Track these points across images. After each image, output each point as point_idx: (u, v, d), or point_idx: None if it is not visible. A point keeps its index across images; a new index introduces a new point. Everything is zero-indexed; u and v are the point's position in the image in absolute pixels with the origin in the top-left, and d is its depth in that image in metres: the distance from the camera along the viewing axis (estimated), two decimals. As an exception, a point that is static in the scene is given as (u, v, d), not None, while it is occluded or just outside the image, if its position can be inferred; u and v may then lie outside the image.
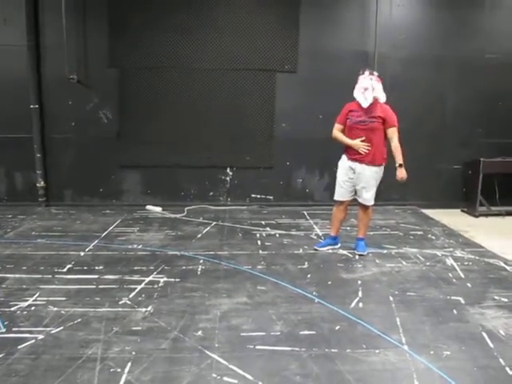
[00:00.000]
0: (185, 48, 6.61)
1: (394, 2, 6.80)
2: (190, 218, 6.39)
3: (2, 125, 6.65)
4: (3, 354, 2.84)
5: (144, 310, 3.50)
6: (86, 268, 4.37)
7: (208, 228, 5.88)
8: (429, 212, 6.95)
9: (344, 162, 4.80)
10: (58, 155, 6.81)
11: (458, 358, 2.92)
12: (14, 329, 3.17)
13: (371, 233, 5.54)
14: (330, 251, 5.01)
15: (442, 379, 2.69)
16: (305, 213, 6.75)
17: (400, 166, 4.63)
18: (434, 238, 5.61)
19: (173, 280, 4.11)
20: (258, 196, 7.16)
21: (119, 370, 2.71)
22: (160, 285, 4.00)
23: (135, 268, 4.39)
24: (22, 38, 6.38)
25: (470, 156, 7.08)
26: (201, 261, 4.64)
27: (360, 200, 4.81)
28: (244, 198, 7.15)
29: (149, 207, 6.83)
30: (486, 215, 6.91)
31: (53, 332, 3.14)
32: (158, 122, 6.76)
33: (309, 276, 4.28)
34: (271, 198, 7.18)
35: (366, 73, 4.60)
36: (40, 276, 4.14)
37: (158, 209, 6.77)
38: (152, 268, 4.39)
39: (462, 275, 4.35)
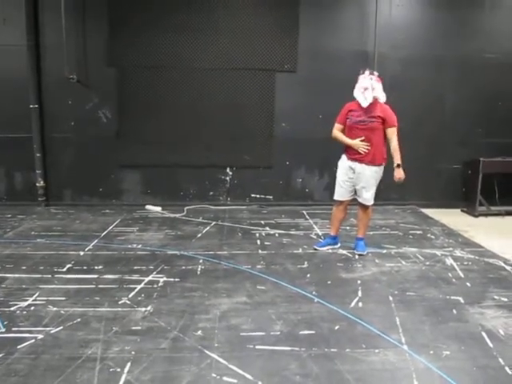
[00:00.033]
0: (184, 47, 6.61)
1: (394, 2, 6.80)
2: (190, 217, 6.39)
3: (2, 124, 6.65)
4: (3, 354, 2.84)
5: (143, 309, 3.50)
6: (85, 268, 4.37)
7: (207, 228, 5.88)
8: (428, 212, 6.95)
9: (344, 162, 4.80)
10: (58, 155, 6.81)
11: (458, 358, 2.92)
12: (13, 328, 3.17)
13: (371, 232, 5.54)
14: (330, 251, 5.01)
15: (441, 379, 2.69)
16: (304, 212, 6.76)
17: (398, 166, 4.62)
18: (433, 237, 5.61)
19: (172, 280, 4.11)
20: (258, 196, 7.16)
21: (119, 369, 2.71)
22: (159, 284, 4.00)
23: (135, 268, 4.39)
24: (21, 38, 6.38)
25: (469, 156, 7.08)
26: (200, 260, 4.64)
27: (360, 200, 4.81)
28: (244, 197, 7.15)
29: (148, 207, 6.83)
30: (486, 215, 6.91)
31: (52, 332, 3.14)
32: (157, 121, 6.76)
33: (308, 276, 4.28)
34: (271, 197, 7.18)
35: (366, 72, 4.61)
36: (39, 276, 4.14)
37: (158, 208, 6.77)
38: (151, 268, 4.39)
39: (462, 275, 4.35)
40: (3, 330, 3.14)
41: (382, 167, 4.72)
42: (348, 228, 5.76)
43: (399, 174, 4.64)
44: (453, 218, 6.69)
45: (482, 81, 7.03)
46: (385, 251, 5.04)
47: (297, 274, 4.33)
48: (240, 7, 6.59)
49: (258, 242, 5.33)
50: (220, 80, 6.73)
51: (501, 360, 2.88)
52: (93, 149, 6.80)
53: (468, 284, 4.13)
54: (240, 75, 6.75)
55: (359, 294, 3.89)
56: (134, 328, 3.22)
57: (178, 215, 6.49)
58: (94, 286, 3.93)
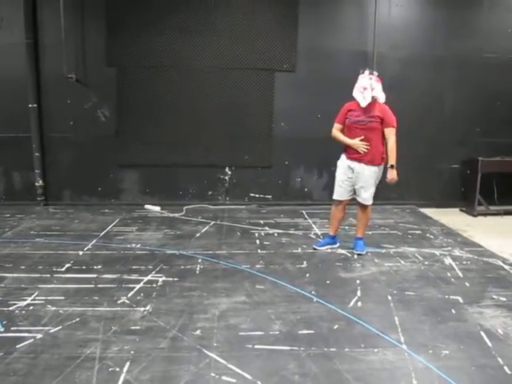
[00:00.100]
0: (183, 47, 6.60)
1: (393, 1, 6.79)
2: (189, 217, 6.39)
3: (1, 124, 6.63)
4: (2, 354, 2.84)
5: (142, 309, 3.50)
6: (84, 267, 4.37)
7: (207, 227, 5.88)
8: (427, 211, 6.95)
9: (343, 162, 4.80)
10: (57, 154, 6.80)
11: (457, 357, 2.92)
12: (12, 328, 3.17)
13: (370, 232, 5.55)
14: (329, 250, 5.01)
15: (440, 378, 2.69)
16: (303, 212, 6.76)
17: (391, 167, 4.61)
18: (432, 237, 5.61)
19: (171, 279, 4.11)
20: (257, 195, 7.16)
21: (118, 369, 2.71)
22: (158, 284, 4.00)
23: (134, 267, 4.39)
24: (20, 37, 6.36)
25: (468, 155, 7.09)
26: (199, 260, 4.64)
27: (359, 199, 4.81)
28: (243, 197, 7.15)
29: (147, 206, 6.82)
30: (485, 214, 6.91)
31: (51, 331, 3.14)
32: (156, 121, 6.75)
33: (307, 275, 4.28)
34: (270, 197, 7.18)
35: (366, 72, 4.61)
36: (38, 275, 4.14)
37: (157, 208, 6.77)
38: (150, 267, 4.39)
39: (461, 274, 4.36)
40: (2, 329, 3.14)
41: (381, 167, 4.72)
42: (347, 228, 5.76)
43: (392, 174, 4.62)
44: (452, 217, 6.69)
45: (481, 80, 7.04)
46: (384, 251, 5.04)
47: (296, 273, 4.33)
48: (239, 7, 6.59)
49: (257, 241, 5.33)
50: (219, 79, 6.73)
51: (500, 359, 2.89)
52: (92, 148, 6.79)
53: (467, 283, 4.14)
54: (239, 75, 6.75)
55: (358, 293, 3.89)
56: (132, 328, 3.21)
57: (176, 215, 6.48)
58: (92, 286, 3.93)
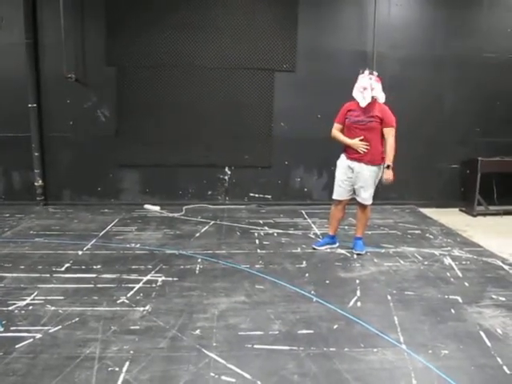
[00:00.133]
0: (183, 47, 6.60)
1: (393, 1, 6.79)
2: (188, 217, 6.39)
3: (0, 123, 6.63)
4: (1, 354, 2.84)
5: (142, 309, 3.50)
6: (83, 267, 4.37)
7: (206, 227, 5.88)
8: (427, 211, 6.95)
9: (343, 162, 4.80)
10: (56, 154, 6.80)
11: (456, 357, 2.92)
12: (11, 328, 3.17)
13: (369, 232, 5.55)
14: (328, 250, 5.01)
15: (439, 378, 2.70)
16: (303, 212, 6.76)
17: (388, 167, 4.61)
18: (432, 237, 5.61)
19: (171, 279, 4.11)
20: (257, 195, 7.16)
21: (117, 369, 2.71)
22: (158, 284, 4.00)
23: (133, 267, 4.39)
24: (20, 37, 6.36)
25: (468, 155, 7.09)
26: (199, 260, 4.64)
27: (358, 199, 4.81)
28: (242, 197, 7.15)
29: (147, 206, 6.82)
30: (484, 214, 6.91)
31: (51, 331, 3.14)
32: (156, 120, 6.75)
33: (307, 275, 4.28)
34: (269, 197, 7.18)
35: (366, 72, 4.61)
36: (38, 275, 4.14)
37: (156, 208, 6.77)
38: (150, 267, 4.39)
39: (460, 274, 4.36)
40: (1, 329, 3.14)
41: (380, 167, 4.71)
42: (346, 227, 5.76)
43: (388, 174, 4.62)
44: (451, 217, 6.69)
45: (480, 80, 7.04)
46: (383, 251, 5.04)
47: (295, 273, 4.33)
48: (239, 6, 6.59)
49: (257, 241, 5.33)
50: (219, 79, 6.73)
51: (499, 359, 2.89)
52: (91, 148, 6.79)
53: (466, 283, 4.14)
54: (239, 74, 6.75)
55: (358, 293, 3.89)
56: (132, 327, 3.21)
57: (176, 214, 6.48)
58: (92, 286, 3.93)
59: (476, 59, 6.99)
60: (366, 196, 4.75)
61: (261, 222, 6.18)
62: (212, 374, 2.68)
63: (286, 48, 6.74)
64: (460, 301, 3.76)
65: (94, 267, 4.36)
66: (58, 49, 6.41)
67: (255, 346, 3.00)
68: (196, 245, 5.13)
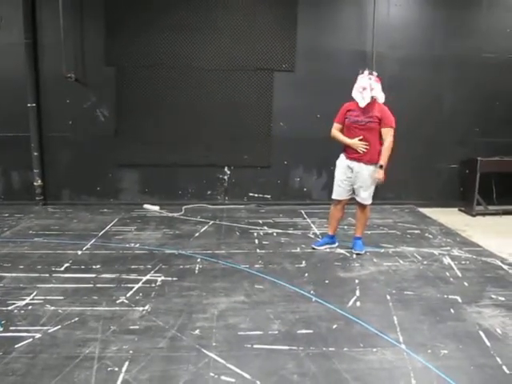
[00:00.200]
0: (182, 47, 6.60)
1: (392, 1, 6.79)
2: (188, 216, 6.39)
3: (0, 123, 6.63)
4: (0, 353, 2.84)
5: (141, 308, 3.50)
6: (83, 267, 4.37)
7: (205, 227, 5.88)
8: (426, 211, 6.96)
9: (342, 161, 4.80)
10: (56, 154, 6.79)
11: (455, 357, 2.92)
12: (11, 328, 3.17)
13: (369, 232, 5.55)
14: (328, 250, 5.01)
15: (439, 378, 2.70)
16: (302, 212, 6.76)
17: (381, 167, 4.60)
18: (431, 236, 5.62)
19: (170, 279, 4.11)
20: (256, 195, 7.16)
21: (116, 369, 2.71)
22: (157, 284, 4.00)
23: (132, 267, 4.38)
24: (19, 37, 6.36)
25: (467, 155, 7.09)
26: (198, 260, 4.64)
27: (358, 199, 4.81)
28: (242, 196, 7.15)
29: (146, 206, 6.82)
30: (483, 214, 6.92)
31: (50, 331, 3.14)
32: (155, 120, 6.75)
33: (306, 275, 4.28)
34: (269, 196, 7.17)
35: (366, 72, 4.61)
36: (37, 275, 4.14)
37: (156, 208, 6.77)
38: (149, 267, 4.39)
39: (459, 274, 4.36)
40: (1, 329, 3.14)
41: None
42: (346, 227, 5.76)
43: (379, 174, 4.60)
44: (450, 217, 6.70)
45: (479, 80, 7.04)
46: (383, 250, 5.04)
47: (295, 273, 4.33)
48: (238, 6, 6.58)
49: (256, 241, 5.33)
50: (218, 79, 6.73)
51: (498, 359, 2.89)
52: (90, 148, 6.79)
53: (465, 283, 4.14)
54: (238, 74, 6.75)
55: (357, 293, 3.89)
56: (131, 327, 3.22)
57: (175, 214, 6.48)
58: (91, 285, 3.93)
59: (475, 59, 6.99)
60: (365, 196, 4.75)
61: (260, 221, 6.18)
62: (211, 374, 2.68)
63: (285, 48, 6.73)
64: (459, 300, 3.77)
65: (94, 267, 4.36)
66: (58, 49, 6.41)
67: (255, 346, 3.00)
68: (195, 245, 5.13)
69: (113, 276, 4.15)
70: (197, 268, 4.40)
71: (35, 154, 6.64)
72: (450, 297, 3.84)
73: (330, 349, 2.98)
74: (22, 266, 4.34)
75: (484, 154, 6.95)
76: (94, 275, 4.16)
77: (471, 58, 6.99)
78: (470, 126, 7.19)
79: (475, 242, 5.43)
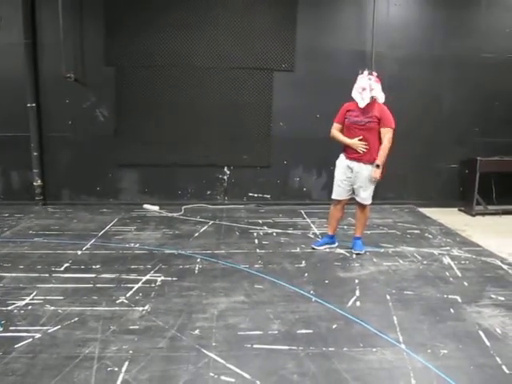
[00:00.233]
0: (182, 46, 6.60)
1: (391, 1, 6.79)
2: (187, 216, 6.39)
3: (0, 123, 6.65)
4: (0, 353, 2.84)
5: (141, 308, 3.50)
6: (83, 267, 4.37)
7: (205, 227, 5.88)
8: (426, 211, 6.96)
9: (342, 161, 4.80)
10: (55, 154, 6.79)
11: (455, 357, 2.93)
12: (11, 328, 3.17)
13: (368, 232, 5.55)
14: (328, 250, 5.01)
15: (438, 378, 2.70)
16: (302, 212, 6.76)
17: (377, 166, 4.60)
18: (431, 236, 5.62)
19: (170, 279, 4.11)
20: (256, 195, 7.16)
21: (116, 369, 2.71)
22: (157, 284, 4.00)
23: (132, 267, 4.38)
24: (19, 37, 6.36)
25: (466, 155, 7.10)
26: (198, 260, 4.64)
27: (357, 199, 4.81)
28: (241, 196, 7.15)
29: (146, 206, 6.82)
30: (483, 214, 6.92)
31: (50, 331, 3.13)
32: (155, 120, 6.75)
33: (306, 275, 4.28)
34: (268, 196, 7.18)
35: (365, 73, 4.61)
36: (37, 275, 4.13)
37: (155, 207, 6.77)
38: (149, 267, 4.39)
39: (459, 274, 4.36)
40: (1, 329, 3.14)
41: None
42: (345, 227, 5.76)
43: (375, 173, 4.60)
44: (450, 217, 6.70)
45: (479, 80, 7.04)
46: (382, 250, 5.04)
47: (294, 273, 4.33)
48: (238, 6, 6.58)
49: (256, 241, 5.33)
50: (218, 79, 6.73)
51: (498, 359, 2.89)
52: (90, 148, 6.79)
53: (465, 283, 4.14)
54: (238, 74, 6.75)
55: (357, 293, 3.89)
56: (131, 327, 3.21)
57: (175, 214, 6.48)
58: (91, 285, 3.93)
59: (474, 59, 6.99)
60: (365, 196, 4.75)
61: (260, 221, 6.18)
62: (211, 374, 2.68)
63: (284, 48, 6.73)
64: (459, 300, 3.77)
65: (94, 267, 4.36)
66: (57, 49, 6.40)
67: (254, 346, 3.00)
68: (195, 245, 5.13)
69: (112, 276, 4.15)
70: (196, 268, 4.40)
71: (35, 153, 6.64)
72: (449, 297, 3.84)
73: (330, 349, 2.98)
74: (21, 266, 4.34)
75: (483, 153, 6.95)
76: (93, 275, 4.16)
77: (470, 57, 6.99)
78: (469, 125, 7.19)
79: (475, 242, 5.43)
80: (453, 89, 7.08)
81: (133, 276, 4.15)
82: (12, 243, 5.06)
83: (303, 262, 4.64)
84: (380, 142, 4.64)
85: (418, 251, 5.02)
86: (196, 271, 4.32)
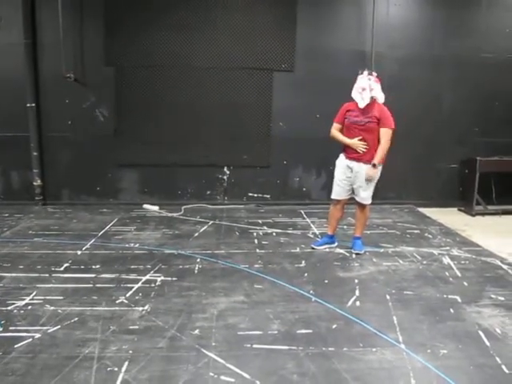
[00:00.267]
0: (182, 46, 6.60)
1: (391, 1, 6.79)
2: (187, 216, 6.39)
3: (-1, 123, 6.65)
4: (0, 353, 2.84)
5: (141, 308, 3.50)
6: (82, 267, 4.37)
7: (205, 227, 5.88)
8: (426, 211, 6.96)
9: (342, 161, 4.81)
10: (55, 154, 6.79)
11: (455, 357, 2.93)
12: (10, 328, 3.17)
13: (368, 231, 5.55)
14: (327, 250, 5.02)
15: (438, 378, 2.70)
16: (302, 211, 6.76)
17: (373, 165, 4.60)
18: (430, 236, 5.62)
19: (170, 279, 4.11)
20: (255, 195, 7.16)
21: (116, 369, 2.71)
22: (157, 284, 4.00)
23: (132, 267, 4.38)
24: (18, 37, 6.35)
25: (466, 155, 7.10)
26: (198, 260, 4.64)
27: (357, 199, 4.82)
28: (241, 196, 7.15)
29: (146, 206, 6.82)
30: (483, 214, 6.93)
31: (50, 331, 3.13)
32: (154, 120, 6.75)
33: (306, 275, 4.28)
34: (268, 196, 7.18)
35: (365, 73, 4.61)
36: (37, 275, 4.14)
37: (155, 207, 6.77)
38: (149, 267, 4.39)
39: (459, 274, 4.36)
40: (1, 329, 3.14)
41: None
42: (345, 227, 5.76)
43: (371, 171, 4.60)
44: (450, 217, 6.70)
45: (478, 80, 7.04)
46: (382, 250, 5.04)
47: (294, 273, 4.33)
48: (238, 6, 6.58)
49: (256, 241, 5.33)
50: (217, 79, 6.72)
51: (498, 359, 2.89)
52: (90, 148, 6.78)
53: (465, 283, 4.15)
54: (238, 74, 6.75)
55: (356, 292, 3.90)
56: (131, 327, 3.21)
57: (175, 214, 6.48)
58: (91, 285, 3.93)
59: (474, 59, 6.99)
60: (365, 195, 4.75)
61: (260, 221, 6.18)
62: (211, 374, 2.68)
63: (284, 48, 6.73)
64: (459, 300, 3.77)
65: (93, 267, 4.36)
66: (57, 49, 6.40)
67: (254, 346, 3.00)
68: (195, 245, 5.13)
69: (112, 276, 4.15)
70: (196, 268, 4.41)
71: (35, 153, 6.63)
72: (449, 296, 3.84)
73: (330, 349, 2.98)
74: (21, 266, 4.34)
75: (483, 153, 6.96)
76: (93, 275, 4.16)
77: (470, 57, 6.99)
78: (469, 125, 7.19)
79: (475, 242, 5.43)
80: (453, 89, 7.08)
81: (132, 276, 4.15)
82: (12, 243, 5.06)
83: (303, 261, 4.64)
84: (380, 142, 4.64)
85: (417, 251, 5.02)
86: (196, 271, 4.32)
